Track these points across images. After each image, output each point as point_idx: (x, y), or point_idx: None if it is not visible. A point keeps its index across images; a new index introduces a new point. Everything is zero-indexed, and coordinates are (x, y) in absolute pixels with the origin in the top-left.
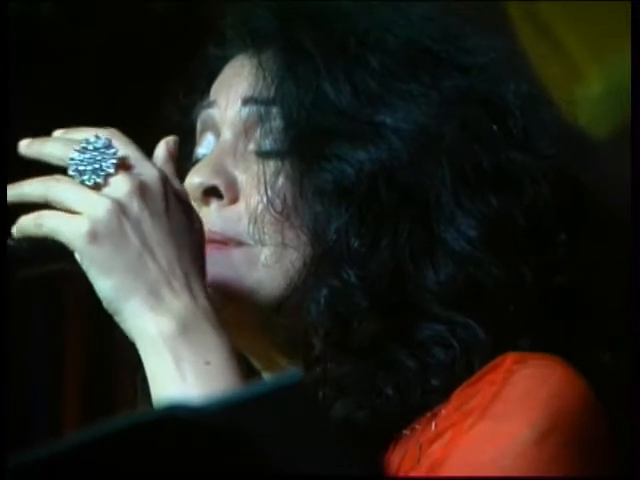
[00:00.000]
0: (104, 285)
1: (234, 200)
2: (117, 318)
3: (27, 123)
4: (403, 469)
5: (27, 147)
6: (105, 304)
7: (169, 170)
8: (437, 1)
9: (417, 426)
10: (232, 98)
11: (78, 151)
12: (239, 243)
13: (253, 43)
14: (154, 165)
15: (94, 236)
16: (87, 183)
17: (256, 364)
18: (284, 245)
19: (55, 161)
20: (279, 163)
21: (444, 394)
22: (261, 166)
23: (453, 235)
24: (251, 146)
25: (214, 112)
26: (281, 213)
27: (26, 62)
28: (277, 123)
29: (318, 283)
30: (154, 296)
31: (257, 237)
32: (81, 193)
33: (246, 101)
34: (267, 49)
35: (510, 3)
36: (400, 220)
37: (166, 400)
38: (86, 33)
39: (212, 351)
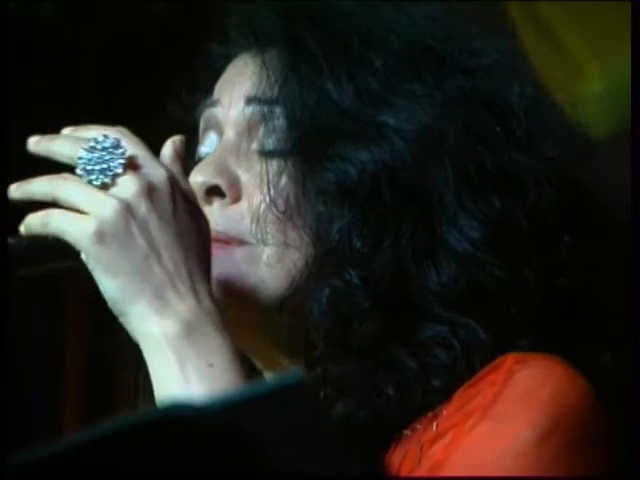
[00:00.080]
0: (109, 286)
1: (237, 199)
2: (122, 319)
3: (27, 123)
4: (404, 469)
5: (36, 144)
6: (110, 305)
7: (176, 169)
8: (439, 1)
9: (418, 426)
10: (235, 97)
11: (86, 150)
12: (241, 242)
13: (257, 42)
14: (163, 165)
15: (101, 236)
16: (95, 183)
17: (258, 364)
18: (286, 245)
19: (63, 159)
20: (282, 163)
21: (445, 394)
22: (264, 165)
23: (455, 236)
24: (254, 145)
25: (217, 111)
26: (284, 213)
27: (26, 62)
28: (280, 123)
29: (320, 283)
30: (159, 299)
31: (259, 236)
32: (88, 193)
33: (249, 100)
34: (271, 48)
35: (510, 3)
36: (402, 221)
37: (168, 400)
38: (86, 33)
39: (215, 353)
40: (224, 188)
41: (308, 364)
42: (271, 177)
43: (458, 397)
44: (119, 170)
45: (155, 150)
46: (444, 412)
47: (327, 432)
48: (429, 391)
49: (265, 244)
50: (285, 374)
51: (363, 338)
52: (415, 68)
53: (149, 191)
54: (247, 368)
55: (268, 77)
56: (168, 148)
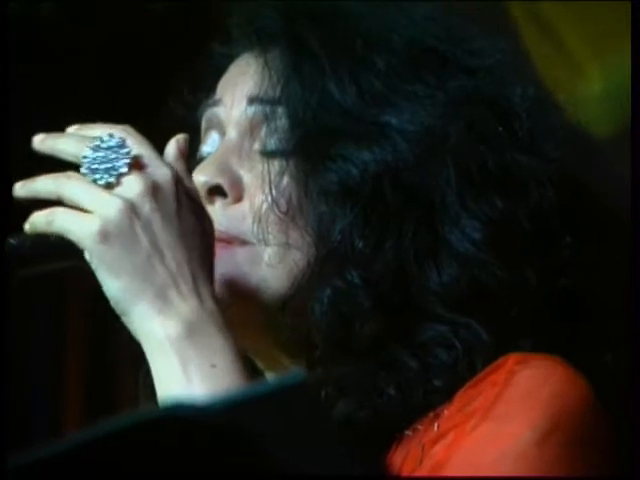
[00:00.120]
0: (112, 285)
1: (238, 199)
2: (124, 319)
3: (27, 123)
4: (405, 469)
5: (41, 142)
6: (113, 304)
7: (180, 168)
8: (440, 1)
9: (419, 427)
10: (238, 97)
11: (91, 149)
12: (243, 242)
13: (259, 42)
14: (167, 165)
15: (105, 236)
16: (99, 182)
17: (259, 364)
18: (288, 245)
19: (68, 158)
20: (284, 163)
21: (447, 395)
22: (266, 165)
23: (457, 237)
24: (256, 145)
25: (219, 110)
26: (285, 213)
27: (26, 62)
28: (282, 122)
29: (322, 283)
30: (162, 299)
31: (261, 236)
32: (93, 192)
33: (252, 100)
34: (273, 48)
35: (512, 3)
36: (405, 221)
37: (170, 400)
38: (86, 33)
39: (218, 354)
40: (226, 188)
41: (309, 364)
42: (273, 177)
43: (459, 397)
44: (124, 170)
45: (156, 150)
46: (445, 412)
47: (328, 432)
48: (430, 391)
49: (267, 244)
50: (286, 374)
51: (364, 338)
52: (417, 68)
53: (153, 191)
54: (249, 369)
55: (270, 77)
56: (172, 147)
